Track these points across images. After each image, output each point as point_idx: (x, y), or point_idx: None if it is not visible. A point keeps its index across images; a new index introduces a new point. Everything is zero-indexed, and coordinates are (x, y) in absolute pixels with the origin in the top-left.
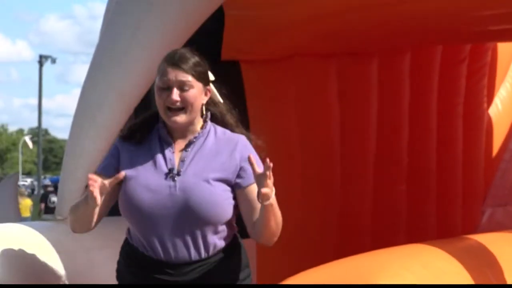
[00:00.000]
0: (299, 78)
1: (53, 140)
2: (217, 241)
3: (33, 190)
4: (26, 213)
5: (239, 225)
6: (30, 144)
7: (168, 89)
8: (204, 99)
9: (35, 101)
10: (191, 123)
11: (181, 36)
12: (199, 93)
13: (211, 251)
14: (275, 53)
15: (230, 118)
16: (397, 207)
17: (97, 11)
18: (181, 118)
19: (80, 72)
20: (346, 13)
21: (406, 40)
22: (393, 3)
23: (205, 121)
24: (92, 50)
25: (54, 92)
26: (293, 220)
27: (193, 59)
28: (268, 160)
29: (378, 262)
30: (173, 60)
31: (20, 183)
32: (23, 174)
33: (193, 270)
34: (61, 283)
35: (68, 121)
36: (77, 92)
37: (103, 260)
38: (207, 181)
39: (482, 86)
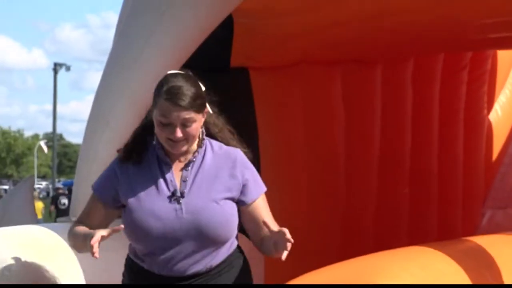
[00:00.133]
0: (305, 84)
1: (68, 145)
2: (224, 253)
3: (48, 193)
4: (38, 215)
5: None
6: (45, 149)
7: (169, 125)
8: (202, 121)
9: (50, 107)
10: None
11: (191, 44)
12: (200, 123)
13: (217, 264)
14: (282, 60)
15: (224, 132)
16: (399, 209)
17: (110, 20)
18: (183, 148)
19: (94, 79)
20: (352, 22)
21: (409, 48)
22: (397, 13)
23: (202, 138)
24: (105, 58)
25: (68, 98)
26: (298, 222)
27: (191, 91)
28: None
29: (378, 264)
30: (174, 100)
31: (35, 186)
32: (38, 177)
33: (196, 281)
34: (78, 282)
35: (82, 126)
36: (90, 98)
37: (120, 260)
38: (215, 202)
39: (483, 92)
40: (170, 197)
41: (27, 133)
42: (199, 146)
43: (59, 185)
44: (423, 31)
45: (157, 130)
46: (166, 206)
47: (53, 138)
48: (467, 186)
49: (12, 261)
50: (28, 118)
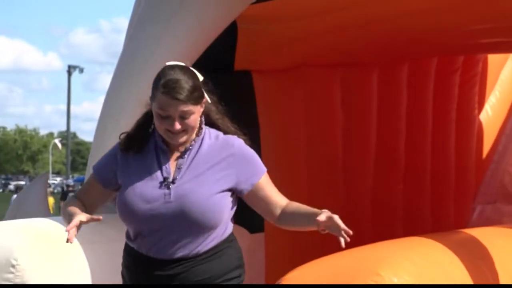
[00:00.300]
0: (306, 86)
1: (81, 143)
2: (213, 239)
3: (62, 188)
4: (50, 210)
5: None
6: (60, 146)
7: (168, 117)
8: (201, 111)
9: (64, 107)
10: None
11: (198, 47)
12: (198, 114)
13: (205, 250)
14: (284, 63)
15: (224, 118)
16: (395, 204)
17: (121, 25)
18: (183, 138)
19: (106, 80)
20: (350, 28)
21: (405, 52)
22: (393, 19)
23: (200, 128)
24: (116, 61)
25: (81, 99)
26: None
27: (188, 84)
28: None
29: (381, 253)
30: (172, 93)
31: (50, 181)
32: (53, 173)
33: (180, 266)
34: (82, 273)
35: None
36: (102, 99)
37: None
38: (205, 187)
39: (474, 93)
40: (161, 183)
41: (43, 132)
42: (197, 134)
43: (70, 182)
44: (418, 36)
45: (156, 122)
46: (156, 191)
47: (67, 136)
48: (459, 182)
49: (22, 251)
50: (44, 118)
